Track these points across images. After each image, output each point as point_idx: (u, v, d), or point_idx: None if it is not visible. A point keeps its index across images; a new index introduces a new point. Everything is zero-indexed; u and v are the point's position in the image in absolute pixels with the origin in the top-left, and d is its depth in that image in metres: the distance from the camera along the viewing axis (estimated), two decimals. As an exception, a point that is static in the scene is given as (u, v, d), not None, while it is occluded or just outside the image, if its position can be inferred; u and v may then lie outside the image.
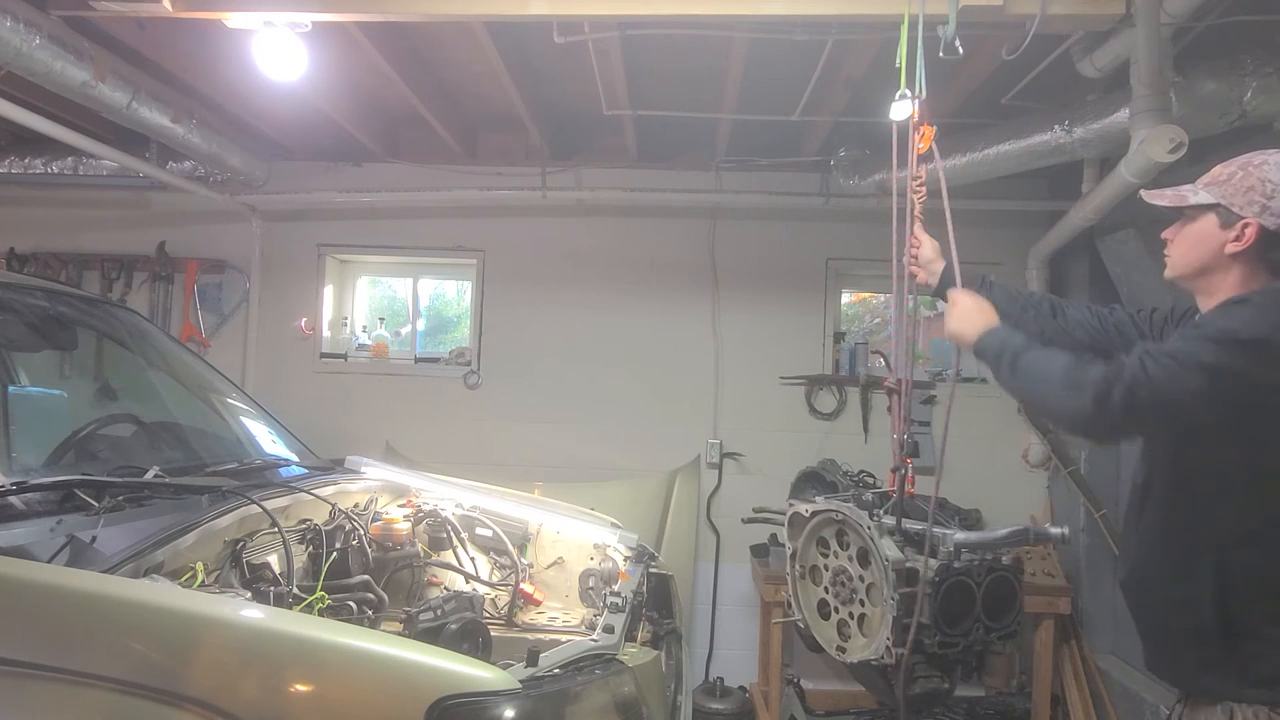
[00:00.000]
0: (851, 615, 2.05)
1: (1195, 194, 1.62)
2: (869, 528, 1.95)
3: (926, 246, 2.14)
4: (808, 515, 2.17)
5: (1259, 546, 1.50)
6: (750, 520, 3.94)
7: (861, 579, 2.02)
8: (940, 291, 2.11)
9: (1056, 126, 3.20)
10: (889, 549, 1.89)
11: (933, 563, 1.85)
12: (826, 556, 2.15)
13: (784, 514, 2.27)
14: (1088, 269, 4.00)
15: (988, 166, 3.54)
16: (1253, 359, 1.43)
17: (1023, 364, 1.65)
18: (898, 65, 2.05)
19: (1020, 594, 1.93)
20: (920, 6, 2.09)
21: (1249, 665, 1.50)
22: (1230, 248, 1.56)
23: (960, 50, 2.22)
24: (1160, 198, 1.68)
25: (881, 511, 1.99)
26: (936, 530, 1.91)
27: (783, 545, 2.28)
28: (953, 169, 3.60)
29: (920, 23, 2.09)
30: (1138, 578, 1.68)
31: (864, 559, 2.01)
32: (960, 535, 1.91)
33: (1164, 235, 1.72)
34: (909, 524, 1.97)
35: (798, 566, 2.22)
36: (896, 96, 2.06)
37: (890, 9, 2.42)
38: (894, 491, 2.04)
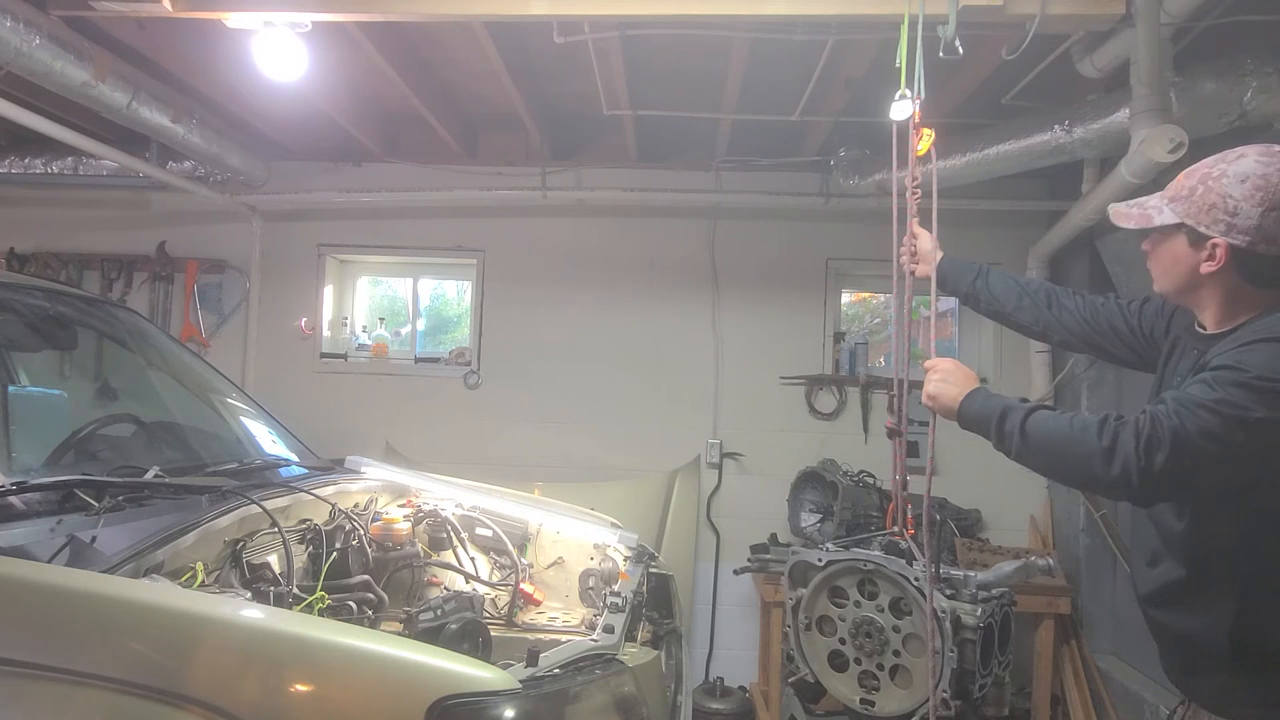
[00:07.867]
0: (880, 666, 2.02)
1: (1161, 213, 1.56)
2: (915, 580, 1.93)
3: (924, 239, 2.15)
4: (820, 565, 2.10)
5: None
6: (743, 570, 3.81)
7: (896, 630, 1.99)
8: (939, 283, 2.12)
9: (1056, 126, 3.20)
10: (942, 601, 1.89)
11: (975, 609, 1.88)
12: (843, 606, 2.09)
13: (783, 562, 2.20)
14: (1088, 269, 3.99)
15: (988, 166, 3.54)
16: None
17: (1034, 428, 1.51)
18: (898, 65, 2.05)
19: (1013, 623, 2.01)
20: (920, 6, 2.09)
21: (1270, 688, 1.48)
22: (1205, 268, 1.50)
23: (960, 50, 2.23)
24: (1127, 219, 1.62)
25: (923, 562, 1.96)
26: (956, 574, 1.97)
27: (783, 544, 2.27)
28: (953, 169, 3.61)
29: (920, 23, 2.09)
30: (1158, 600, 1.61)
31: (896, 609, 1.99)
32: (980, 577, 1.96)
33: (1144, 247, 1.66)
34: (946, 571, 2.00)
35: (803, 618, 2.14)
36: (896, 96, 2.07)
37: (890, 9, 2.42)
38: (899, 535, 2.10)
